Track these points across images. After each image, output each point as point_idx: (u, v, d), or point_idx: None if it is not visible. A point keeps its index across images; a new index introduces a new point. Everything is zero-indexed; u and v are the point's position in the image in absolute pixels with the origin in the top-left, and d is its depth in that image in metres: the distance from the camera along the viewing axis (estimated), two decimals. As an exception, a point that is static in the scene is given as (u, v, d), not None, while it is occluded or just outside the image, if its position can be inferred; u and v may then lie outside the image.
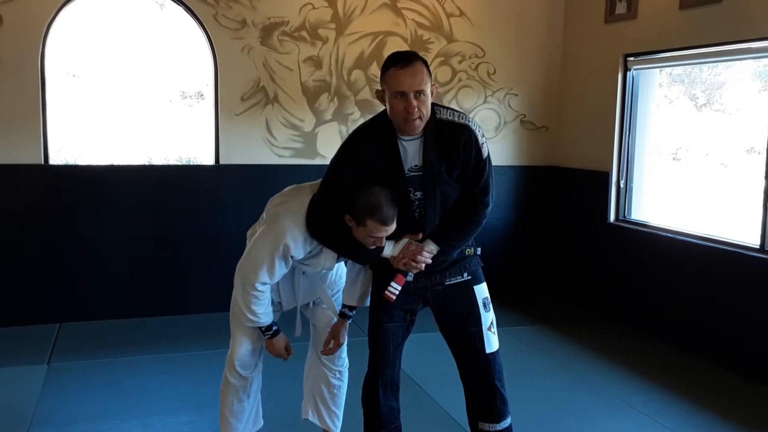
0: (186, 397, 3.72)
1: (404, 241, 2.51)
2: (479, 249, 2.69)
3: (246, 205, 4.91)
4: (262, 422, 3.05)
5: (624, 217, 5.23)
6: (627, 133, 5.15)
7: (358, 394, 2.77)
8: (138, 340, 4.57)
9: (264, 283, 2.60)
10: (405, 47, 5.36)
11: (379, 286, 2.62)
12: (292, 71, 5.19)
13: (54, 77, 5.21)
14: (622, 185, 5.21)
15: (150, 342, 4.54)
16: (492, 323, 2.66)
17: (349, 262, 2.77)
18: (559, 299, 5.80)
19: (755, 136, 4.78)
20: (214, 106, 5.11)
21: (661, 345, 4.67)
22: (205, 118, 5.81)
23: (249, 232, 2.85)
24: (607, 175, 5.24)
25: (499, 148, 5.70)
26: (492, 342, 2.64)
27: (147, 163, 6.84)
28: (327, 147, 5.24)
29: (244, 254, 2.67)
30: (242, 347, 2.80)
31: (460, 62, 5.55)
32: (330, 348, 2.86)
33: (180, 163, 7.26)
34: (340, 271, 2.95)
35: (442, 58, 5.50)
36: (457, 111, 2.53)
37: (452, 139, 2.44)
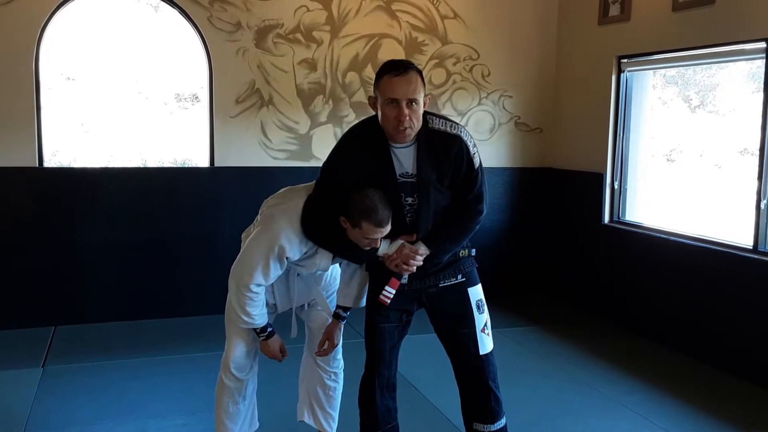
0: (181, 399, 3.72)
1: (399, 242, 2.53)
2: (474, 250, 2.70)
3: (241, 208, 4.91)
4: (257, 424, 3.05)
5: (618, 218, 5.25)
6: (621, 134, 5.17)
7: (353, 395, 2.78)
8: (133, 343, 4.56)
9: (259, 285, 2.60)
10: (399, 49, 5.37)
11: (375, 287, 2.64)
12: (287, 73, 5.20)
13: (48, 80, 5.20)
14: (616, 186, 5.23)
15: (145, 345, 4.53)
16: (486, 325, 2.67)
17: (344, 263, 2.78)
18: (554, 300, 5.81)
19: (749, 137, 4.81)
20: (209, 108, 5.11)
21: (654, 345, 4.68)
22: (199, 120, 5.82)
23: (244, 234, 2.85)
24: (601, 177, 5.26)
25: (494, 149, 5.71)
26: (486, 343, 2.65)
27: (142, 166, 6.84)
28: (322, 149, 5.24)
29: (239, 256, 2.67)
30: (237, 349, 2.80)
31: (454, 64, 5.57)
32: (324, 349, 2.87)
33: (175, 166, 7.27)
34: (335, 272, 2.96)
35: (437, 60, 5.52)
36: (450, 120, 2.53)
37: (444, 148, 2.45)
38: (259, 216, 2.74)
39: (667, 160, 6.34)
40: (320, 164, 2.66)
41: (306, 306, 2.99)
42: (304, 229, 2.55)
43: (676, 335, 4.60)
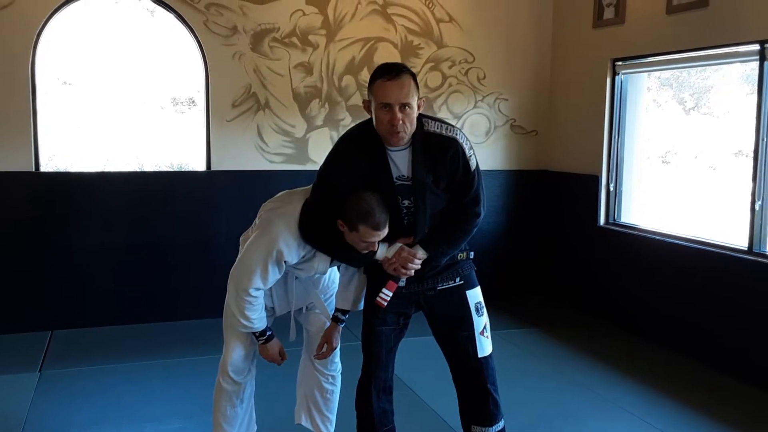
0: (178, 403, 3.72)
1: (397, 245, 2.54)
2: (472, 253, 2.71)
3: (238, 211, 4.92)
4: (255, 427, 3.05)
5: (614, 220, 5.27)
6: (616, 136, 5.19)
7: (351, 398, 2.78)
8: (130, 347, 4.55)
9: (257, 289, 2.61)
10: (395, 53, 5.39)
11: (372, 290, 2.64)
12: (283, 77, 5.21)
13: (45, 84, 5.21)
14: (611, 188, 5.25)
15: (142, 349, 4.53)
16: (485, 327, 2.67)
17: (342, 266, 2.78)
18: (550, 302, 5.82)
19: (743, 139, 4.83)
20: (206, 112, 5.12)
21: (651, 346, 4.70)
22: (196, 124, 5.82)
23: (242, 238, 2.86)
24: (596, 179, 5.27)
25: (490, 152, 5.73)
26: (485, 346, 2.66)
27: (138, 170, 6.84)
28: (318, 153, 5.25)
29: (238, 260, 2.67)
30: (235, 353, 2.80)
31: (450, 67, 5.58)
32: (322, 352, 2.87)
33: (171, 170, 7.27)
34: (333, 275, 2.96)
35: (432, 64, 5.53)
36: (446, 123, 2.54)
37: (440, 151, 2.46)
38: (257, 220, 2.74)
39: (662, 162, 6.37)
40: (317, 168, 2.67)
41: (304, 309, 2.99)
42: (302, 232, 2.55)
43: (672, 336, 4.62)
